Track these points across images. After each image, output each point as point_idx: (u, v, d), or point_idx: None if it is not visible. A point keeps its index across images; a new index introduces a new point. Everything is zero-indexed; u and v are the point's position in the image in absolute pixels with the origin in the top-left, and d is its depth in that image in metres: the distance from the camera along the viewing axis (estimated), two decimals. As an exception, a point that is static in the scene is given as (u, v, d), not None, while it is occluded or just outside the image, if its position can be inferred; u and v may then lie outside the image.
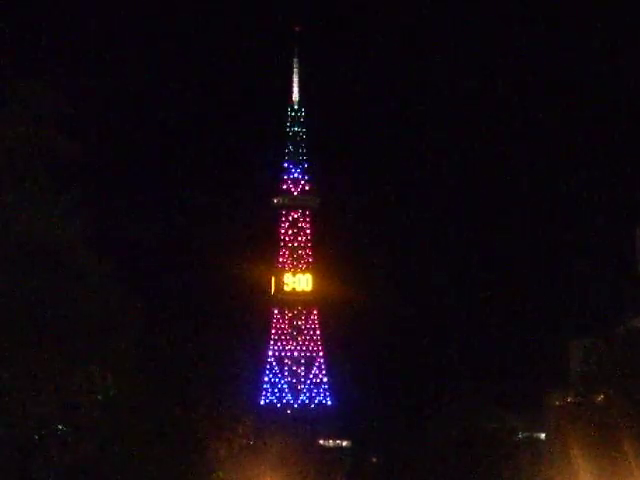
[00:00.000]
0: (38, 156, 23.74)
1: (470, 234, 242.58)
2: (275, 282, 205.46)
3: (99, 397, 27.25)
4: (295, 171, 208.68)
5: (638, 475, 43.80)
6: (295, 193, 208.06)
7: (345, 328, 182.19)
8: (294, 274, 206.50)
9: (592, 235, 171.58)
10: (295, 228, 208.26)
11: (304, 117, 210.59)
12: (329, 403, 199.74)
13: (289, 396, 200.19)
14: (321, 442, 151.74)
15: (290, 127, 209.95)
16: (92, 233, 25.09)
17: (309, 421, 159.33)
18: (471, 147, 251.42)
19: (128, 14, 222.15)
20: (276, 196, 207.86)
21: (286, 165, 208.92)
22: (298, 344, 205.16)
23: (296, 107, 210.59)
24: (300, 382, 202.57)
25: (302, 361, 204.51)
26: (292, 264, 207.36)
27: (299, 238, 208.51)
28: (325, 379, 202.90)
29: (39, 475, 26.11)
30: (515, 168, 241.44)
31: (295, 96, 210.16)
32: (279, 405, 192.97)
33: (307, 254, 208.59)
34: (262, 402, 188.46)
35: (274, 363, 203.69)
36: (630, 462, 44.08)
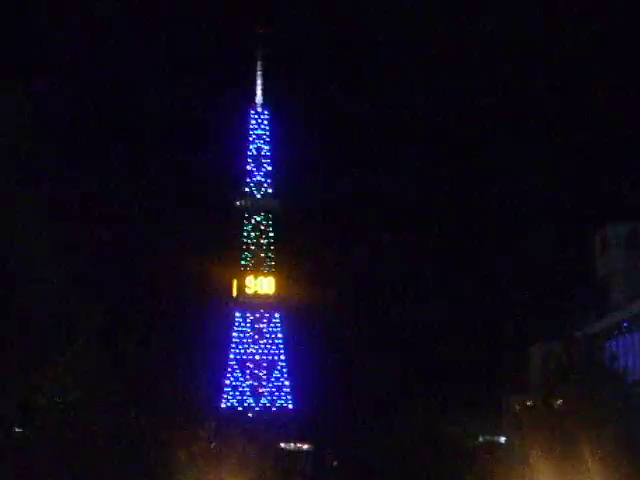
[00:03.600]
0: (1, 154, 23.54)
1: (432, 238, 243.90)
2: (237, 285, 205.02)
3: (58, 399, 27.04)
4: (258, 174, 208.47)
5: (596, 477, 44.24)
6: (258, 196, 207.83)
7: (307, 331, 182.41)
8: (256, 277, 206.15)
9: (552, 241, 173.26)
10: (257, 231, 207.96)
11: (267, 119, 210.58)
12: (290, 406, 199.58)
13: (250, 399, 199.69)
14: (282, 445, 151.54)
15: (253, 129, 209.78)
16: (52, 233, 24.91)
17: (270, 424, 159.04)
18: (434, 147, 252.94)
19: (92, 13, 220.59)
20: (239, 199, 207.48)
21: (249, 168, 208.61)
22: (260, 347, 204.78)
23: (259, 109, 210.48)
24: (261, 385, 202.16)
25: (264, 364, 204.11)
26: (254, 267, 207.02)
27: (261, 241, 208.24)
28: (287, 382, 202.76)
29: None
30: (476, 172, 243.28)
31: (258, 98, 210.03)
32: (240, 408, 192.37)
33: (269, 257, 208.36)
34: (223, 405, 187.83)
35: (235, 366, 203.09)
36: (588, 465, 44.52)
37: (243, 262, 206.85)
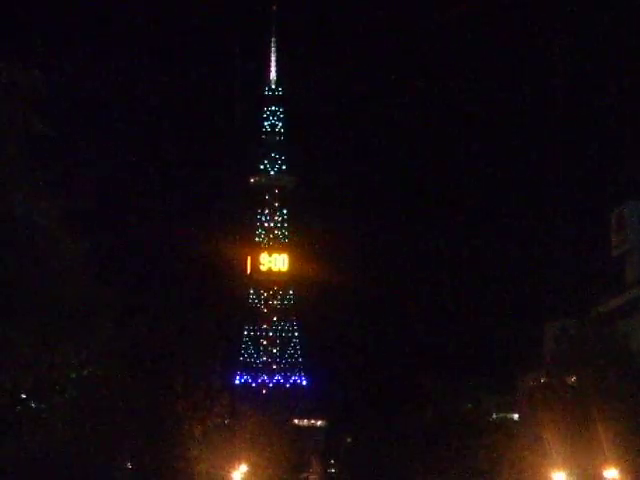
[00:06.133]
0: (12, 136, 23.54)
1: (446, 218, 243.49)
2: (251, 262, 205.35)
3: (73, 375, 27.17)
4: (272, 150, 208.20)
5: (609, 454, 44.29)
6: (272, 173, 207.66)
7: (320, 308, 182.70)
8: (270, 254, 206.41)
9: (567, 218, 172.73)
10: (271, 208, 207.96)
11: (281, 96, 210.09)
12: (304, 383, 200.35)
13: (264, 376, 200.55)
14: (296, 421, 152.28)
15: (267, 106, 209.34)
16: (68, 212, 24.98)
17: (284, 400, 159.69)
18: (446, 126, 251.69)
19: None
20: (253, 175, 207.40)
21: (263, 144, 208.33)
22: (273, 324, 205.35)
23: (273, 86, 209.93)
24: (275, 362, 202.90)
25: (277, 341, 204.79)
26: (268, 244, 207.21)
27: (275, 218, 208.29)
28: (300, 359, 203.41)
29: (11, 452, 26.04)
30: (488, 151, 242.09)
31: (272, 75, 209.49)
32: (254, 384, 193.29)
33: (283, 234, 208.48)
34: (237, 381, 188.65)
35: (249, 343, 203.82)
36: (601, 442, 44.55)
37: (257, 239, 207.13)
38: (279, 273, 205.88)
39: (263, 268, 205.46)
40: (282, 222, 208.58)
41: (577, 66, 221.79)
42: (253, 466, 65.84)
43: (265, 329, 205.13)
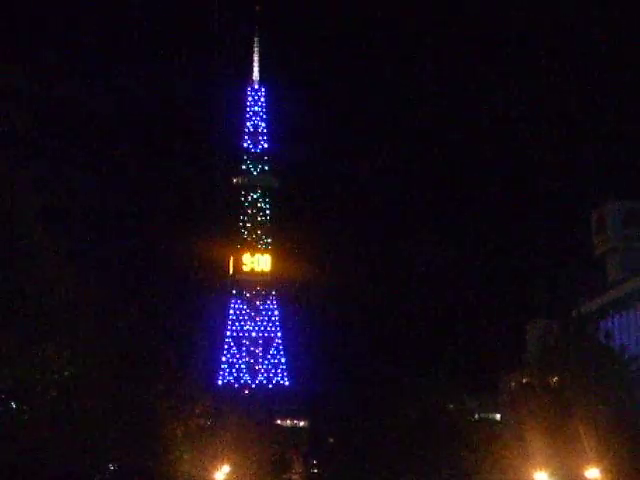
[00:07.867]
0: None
1: (430, 219, 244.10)
2: (234, 262, 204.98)
3: (55, 376, 27.05)
4: (255, 151, 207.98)
5: (590, 454, 44.47)
6: (255, 173, 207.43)
7: (303, 309, 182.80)
8: (253, 254, 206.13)
9: (549, 219, 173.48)
10: (254, 208, 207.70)
11: (264, 96, 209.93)
12: (286, 383, 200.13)
13: (247, 376, 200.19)
14: (278, 422, 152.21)
15: (250, 106, 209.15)
16: (51, 213, 24.91)
17: (266, 401, 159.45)
18: (432, 126, 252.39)
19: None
20: (236, 176, 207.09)
21: (246, 145, 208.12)
22: (256, 324, 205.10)
23: (256, 87, 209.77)
24: (258, 362, 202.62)
25: (260, 341, 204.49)
26: (251, 244, 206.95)
27: (258, 218, 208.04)
28: (283, 359, 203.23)
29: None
30: (473, 151, 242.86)
31: (255, 75, 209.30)
32: (237, 385, 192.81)
33: (266, 234, 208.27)
34: (219, 382, 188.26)
35: (232, 343, 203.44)
36: (583, 442, 44.73)
37: (240, 240, 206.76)
38: (262, 274, 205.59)
39: (246, 268, 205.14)
40: (265, 222, 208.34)
41: (562, 70, 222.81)
42: (235, 467, 65.75)
43: (247, 329, 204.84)
